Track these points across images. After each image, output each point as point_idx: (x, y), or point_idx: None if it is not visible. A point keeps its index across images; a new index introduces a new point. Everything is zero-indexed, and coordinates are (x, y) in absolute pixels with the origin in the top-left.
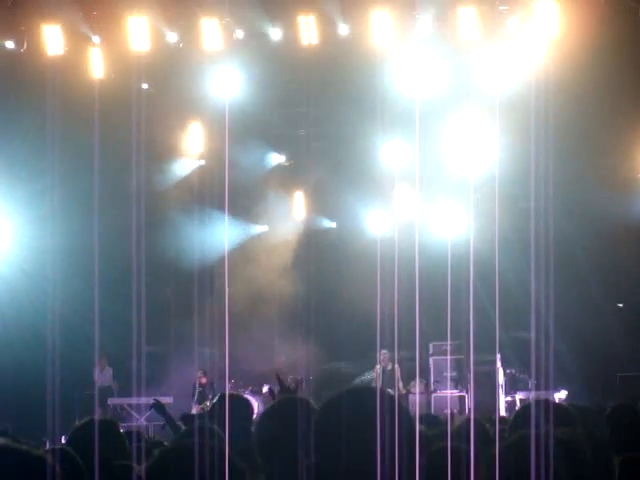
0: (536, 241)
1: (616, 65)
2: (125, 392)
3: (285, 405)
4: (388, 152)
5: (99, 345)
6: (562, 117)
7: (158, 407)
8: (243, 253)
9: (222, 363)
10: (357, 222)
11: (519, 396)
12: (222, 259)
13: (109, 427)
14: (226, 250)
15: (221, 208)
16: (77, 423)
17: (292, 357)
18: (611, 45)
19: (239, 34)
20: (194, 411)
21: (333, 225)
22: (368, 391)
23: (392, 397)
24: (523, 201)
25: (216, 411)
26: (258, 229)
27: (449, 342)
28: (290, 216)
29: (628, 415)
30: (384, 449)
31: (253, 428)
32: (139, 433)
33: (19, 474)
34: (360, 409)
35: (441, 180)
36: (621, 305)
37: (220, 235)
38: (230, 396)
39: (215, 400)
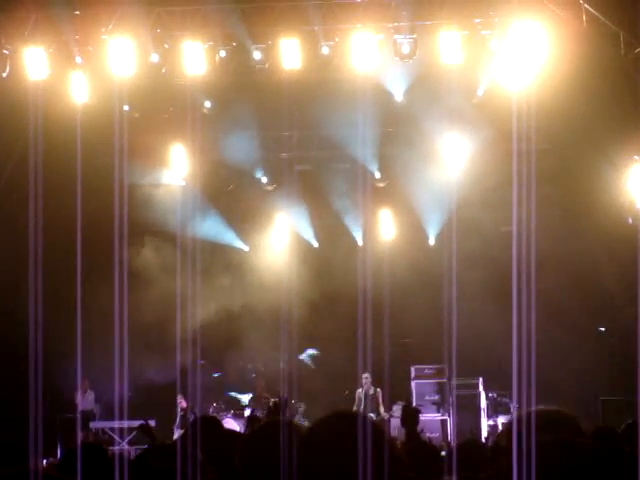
0: (518, 264)
1: (600, 89)
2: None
3: (269, 428)
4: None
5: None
6: (545, 139)
7: (145, 429)
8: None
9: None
10: (342, 241)
11: (501, 420)
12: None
13: (97, 451)
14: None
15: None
16: (68, 447)
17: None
18: (594, 69)
19: (222, 54)
20: (176, 436)
21: (316, 245)
22: (350, 417)
23: (373, 423)
24: (505, 225)
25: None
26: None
27: (431, 366)
28: (273, 238)
29: (610, 437)
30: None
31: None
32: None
33: None
34: (343, 435)
35: (422, 200)
36: (603, 329)
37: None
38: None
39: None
